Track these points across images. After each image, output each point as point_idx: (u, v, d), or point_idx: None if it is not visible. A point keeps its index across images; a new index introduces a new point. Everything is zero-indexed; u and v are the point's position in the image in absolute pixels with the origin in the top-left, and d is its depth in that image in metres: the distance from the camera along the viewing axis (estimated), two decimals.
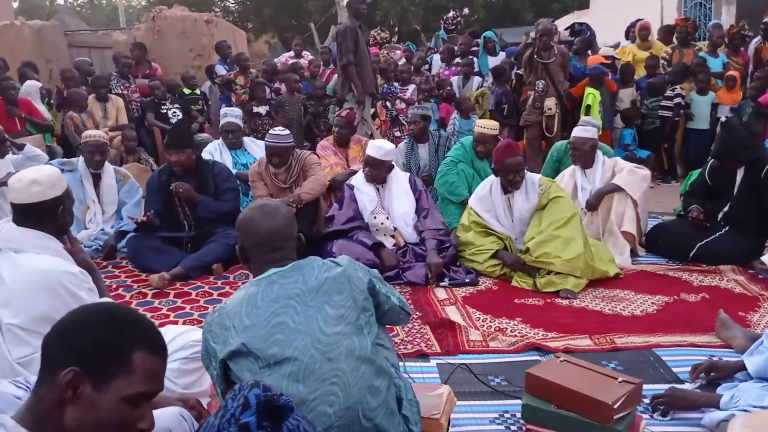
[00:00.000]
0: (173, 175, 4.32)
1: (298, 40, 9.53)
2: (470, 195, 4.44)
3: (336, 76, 7.21)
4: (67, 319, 1.26)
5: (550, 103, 6.26)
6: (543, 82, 6.28)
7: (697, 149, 6.78)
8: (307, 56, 9.36)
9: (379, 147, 4.20)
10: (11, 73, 7.33)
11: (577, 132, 4.55)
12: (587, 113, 6.28)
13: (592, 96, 6.37)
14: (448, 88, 7.54)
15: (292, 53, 9.48)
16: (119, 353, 1.22)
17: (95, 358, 1.21)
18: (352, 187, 4.32)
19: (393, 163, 4.33)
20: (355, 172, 4.66)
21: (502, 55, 8.12)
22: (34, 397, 1.24)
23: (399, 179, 4.33)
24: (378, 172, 4.23)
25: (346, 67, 6.20)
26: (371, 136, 6.17)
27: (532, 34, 8.11)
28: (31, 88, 6.92)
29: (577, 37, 8.01)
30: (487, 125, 4.85)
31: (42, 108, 6.79)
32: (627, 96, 7.01)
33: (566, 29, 8.32)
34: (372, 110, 7.55)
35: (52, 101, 7.28)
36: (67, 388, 1.18)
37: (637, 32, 7.98)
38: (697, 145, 6.82)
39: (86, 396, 1.20)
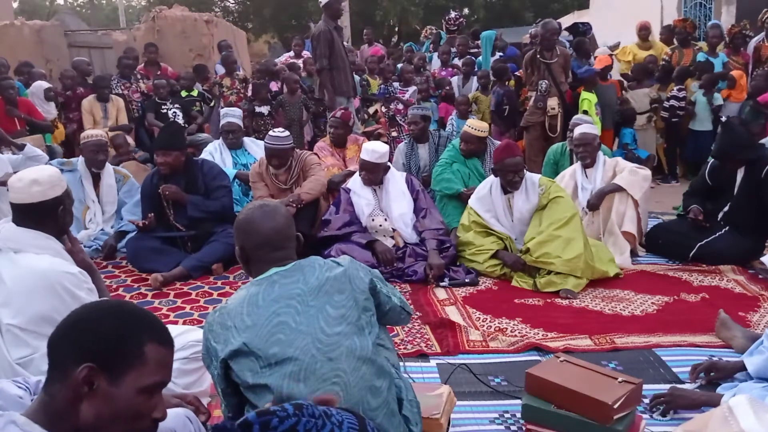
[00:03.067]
0: (162, 176, 4.31)
1: (297, 40, 9.54)
2: (465, 188, 4.56)
3: None
4: (73, 316, 1.28)
5: (553, 102, 6.27)
6: (546, 81, 6.28)
7: (700, 150, 6.79)
8: (306, 56, 9.36)
9: (373, 151, 4.19)
10: (11, 73, 7.34)
11: (583, 129, 4.56)
12: None
13: (587, 102, 6.39)
14: (447, 87, 7.53)
15: (292, 53, 9.49)
16: (132, 347, 1.25)
17: (108, 354, 1.23)
18: (348, 191, 4.32)
19: (389, 164, 4.33)
20: (352, 173, 4.67)
21: (499, 55, 8.12)
22: (46, 395, 1.25)
23: (396, 180, 4.33)
24: (374, 176, 4.23)
25: (320, 72, 6.25)
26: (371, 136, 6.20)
27: (533, 31, 8.13)
28: (35, 89, 6.95)
29: (578, 38, 8.00)
30: (474, 125, 4.84)
31: (45, 108, 6.81)
32: (643, 95, 7.00)
33: (567, 29, 8.30)
34: (373, 109, 7.56)
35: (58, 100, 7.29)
36: (83, 384, 1.20)
37: (637, 32, 7.98)
38: (698, 145, 6.84)
39: (102, 390, 1.22)
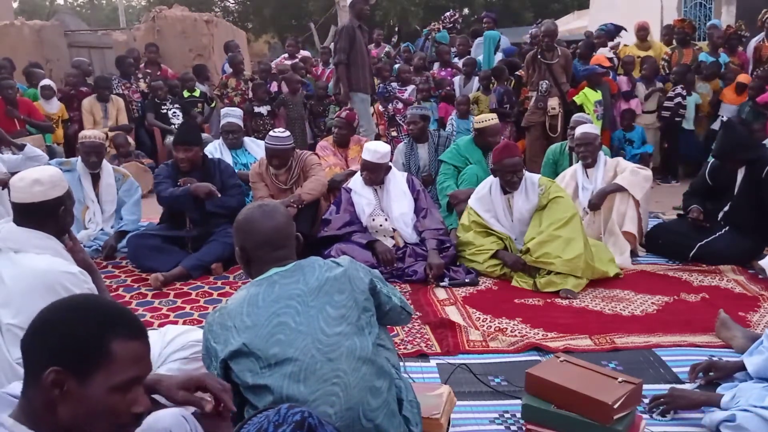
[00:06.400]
0: (179, 171, 4.34)
1: (291, 41, 9.55)
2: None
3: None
4: (39, 317, 1.26)
5: (554, 102, 6.29)
6: (547, 82, 6.30)
7: (690, 149, 6.94)
8: (301, 56, 9.34)
9: (375, 151, 4.19)
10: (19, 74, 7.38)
11: (585, 128, 4.56)
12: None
13: (582, 96, 6.43)
14: (447, 88, 7.53)
15: (286, 54, 9.52)
16: (96, 346, 1.22)
17: (73, 355, 1.20)
18: (349, 191, 4.32)
19: (390, 164, 4.34)
20: (354, 173, 4.67)
21: (499, 55, 8.13)
22: (24, 400, 1.25)
23: (397, 180, 4.33)
24: (376, 176, 4.23)
25: (337, 66, 6.28)
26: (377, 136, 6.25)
27: (533, 31, 8.15)
28: None
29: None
30: (488, 118, 4.93)
31: (47, 105, 6.82)
32: (654, 95, 7.03)
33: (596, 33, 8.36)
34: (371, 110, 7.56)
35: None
36: (52, 387, 1.19)
37: (635, 32, 7.98)
38: (688, 144, 6.95)
39: (73, 392, 1.20)
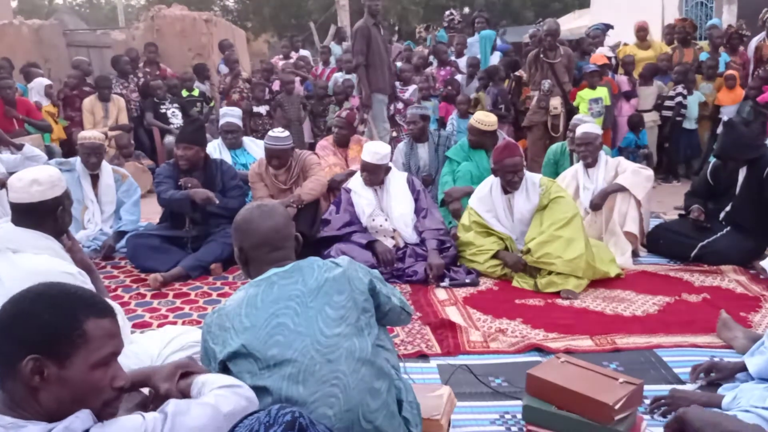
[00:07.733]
0: (180, 170, 4.33)
1: (285, 42, 9.57)
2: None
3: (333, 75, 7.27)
4: (6, 311, 1.28)
5: (556, 102, 6.28)
6: (549, 81, 6.28)
7: (685, 149, 6.97)
8: (296, 57, 9.33)
9: (374, 152, 4.17)
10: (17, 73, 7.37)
11: (585, 128, 4.54)
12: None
13: (578, 98, 6.43)
14: (449, 87, 7.50)
15: (281, 55, 9.51)
16: (71, 328, 1.26)
17: (50, 341, 1.24)
18: (349, 191, 4.31)
19: (390, 164, 4.32)
20: (354, 173, 4.66)
21: (497, 54, 8.13)
22: (3, 394, 1.27)
23: (397, 180, 4.32)
24: (375, 177, 4.22)
25: (356, 69, 6.23)
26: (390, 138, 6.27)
27: (532, 30, 8.15)
28: (35, 84, 6.94)
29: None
30: (479, 119, 4.83)
31: (43, 101, 6.82)
32: (650, 94, 7.02)
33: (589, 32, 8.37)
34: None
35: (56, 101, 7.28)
36: (32, 375, 1.22)
37: (635, 32, 7.97)
38: (685, 144, 6.96)
39: (54, 376, 1.24)
